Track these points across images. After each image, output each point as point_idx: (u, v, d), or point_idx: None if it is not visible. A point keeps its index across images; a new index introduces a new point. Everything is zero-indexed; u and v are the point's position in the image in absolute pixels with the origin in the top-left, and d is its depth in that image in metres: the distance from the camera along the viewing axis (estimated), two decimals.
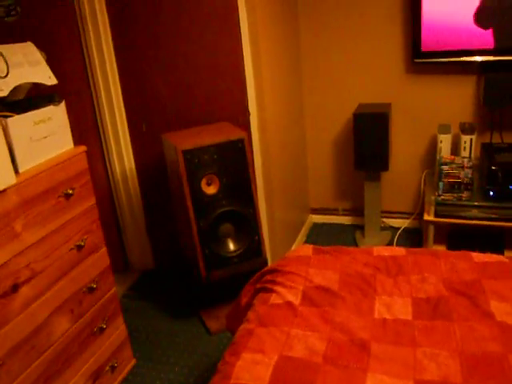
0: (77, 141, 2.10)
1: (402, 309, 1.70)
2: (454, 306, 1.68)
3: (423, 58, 3.12)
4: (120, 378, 2.41)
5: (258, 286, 1.95)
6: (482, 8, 2.93)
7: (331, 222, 3.76)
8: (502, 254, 2.96)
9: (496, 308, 1.65)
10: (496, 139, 3.23)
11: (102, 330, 2.24)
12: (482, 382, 1.39)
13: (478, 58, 3.03)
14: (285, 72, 3.10)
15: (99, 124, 3.02)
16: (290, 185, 3.31)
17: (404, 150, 3.42)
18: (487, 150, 3.05)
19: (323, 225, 3.75)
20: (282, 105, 3.08)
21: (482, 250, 2.51)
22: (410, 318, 1.66)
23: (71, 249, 2.03)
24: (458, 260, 1.92)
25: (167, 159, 2.74)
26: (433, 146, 3.32)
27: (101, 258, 2.23)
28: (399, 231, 3.50)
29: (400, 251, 2.01)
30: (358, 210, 3.64)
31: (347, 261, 1.96)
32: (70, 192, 2.00)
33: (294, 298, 1.77)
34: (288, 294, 1.80)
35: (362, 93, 3.38)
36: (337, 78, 3.39)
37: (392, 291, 1.79)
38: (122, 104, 2.97)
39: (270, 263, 2.85)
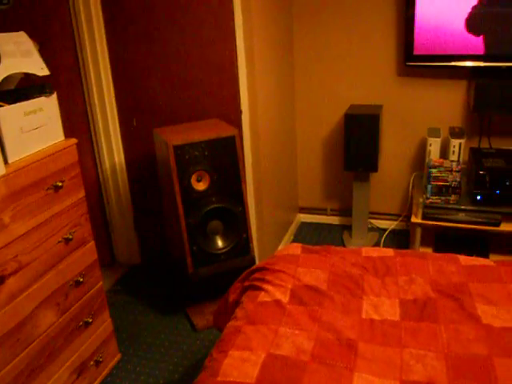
0: (67, 133, 2.09)
1: (390, 309, 1.71)
2: (441, 308, 1.69)
3: (415, 62, 3.14)
4: (105, 373, 2.40)
5: (247, 283, 1.94)
6: (474, 15, 2.96)
7: (319, 221, 3.77)
8: (487, 257, 2.99)
9: (482, 311, 1.67)
10: (485, 144, 3.27)
11: (87, 324, 2.23)
12: (466, 383, 1.40)
13: (469, 64, 3.06)
14: (278, 71, 3.10)
15: (90, 117, 3.00)
16: (280, 183, 3.32)
17: (393, 151, 3.44)
18: (475, 155, 3.08)
19: (311, 224, 3.76)
20: (274, 104, 3.08)
21: (468, 253, 2.54)
22: (397, 318, 1.67)
23: (59, 241, 2.02)
24: (445, 262, 1.94)
25: (158, 154, 2.73)
26: (422, 149, 3.35)
27: (88, 252, 2.21)
28: (386, 232, 3.52)
29: (388, 252, 2.02)
30: (346, 211, 3.65)
31: (336, 260, 1.96)
32: (60, 184, 1.98)
33: (283, 297, 1.77)
34: (277, 292, 1.80)
35: (353, 94, 3.39)
36: (329, 79, 3.40)
37: (380, 292, 1.80)
38: (113, 98, 2.95)
39: (257, 261, 2.86)
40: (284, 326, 1.64)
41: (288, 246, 2.11)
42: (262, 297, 1.78)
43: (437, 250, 3.13)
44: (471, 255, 2.11)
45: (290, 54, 3.34)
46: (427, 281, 1.83)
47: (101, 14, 2.78)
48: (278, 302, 1.74)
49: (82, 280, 2.16)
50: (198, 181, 2.52)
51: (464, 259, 1.98)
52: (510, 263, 1.95)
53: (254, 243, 2.96)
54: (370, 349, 1.54)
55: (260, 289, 1.83)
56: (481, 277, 1.85)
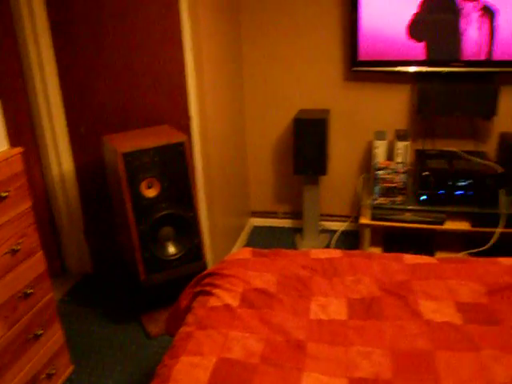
0: (12, 142, 2.05)
1: (337, 309, 1.76)
2: (386, 306, 1.75)
3: (360, 67, 3.23)
4: None
5: (198, 289, 1.96)
6: (415, 22, 3.07)
7: (271, 225, 3.81)
8: (433, 255, 3.10)
9: (424, 307, 1.74)
10: (429, 146, 3.38)
11: (38, 336, 2.19)
12: (410, 377, 1.46)
13: (412, 69, 3.17)
14: (227, 77, 3.13)
15: (36, 125, 2.94)
16: (231, 188, 3.34)
17: (342, 154, 3.53)
18: (420, 156, 3.19)
19: (264, 228, 3.80)
20: (224, 109, 3.11)
21: (416, 252, 2.63)
22: (344, 318, 1.72)
23: (5, 253, 1.97)
24: (390, 261, 2.01)
25: (107, 162, 2.71)
26: (369, 152, 3.44)
27: (37, 263, 2.17)
28: (337, 234, 3.59)
29: (336, 253, 2.07)
30: (297, 214, 3.71)
31: (285, 263, 2.00)
32: (5, 195, 1.94)
33: (233, 301, 1.79)
34: (227, 296, 1.82)
35: (302, 99, 3.46)
36: (278, 84, 3.45)
37: (328, 292, 1.85)
38: (60, 105, 2.91)
39: (210, 266, 2.87)
40: (234, 329, 1.66)
41: (238, 251, 2.14)
42: (213, 302, 1.80)
43: (386, 249, 3.22)
44: (418, 253, 2.19)
45: (239, 59, 3.37)
46: (373, 280, 1.90)
47: (46, 18, 2.73)
48: (228, 307, 1.76)
49: (31, 291, 2.12)
50: (149, 187, 2.52)
51: (408, 258, 2.05)
52: (452, 260, 2.04)
53: (207, 248, 2.97)
54: (318, 348, 1.58)
55: (210, 294, 1.85)
56: (423, 274, 1.92)
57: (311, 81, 3.40)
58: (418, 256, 2.07)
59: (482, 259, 2.05)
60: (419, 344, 1.58)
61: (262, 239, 3.65)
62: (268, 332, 1.64)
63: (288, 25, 3.30)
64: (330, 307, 1.77)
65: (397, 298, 1.79)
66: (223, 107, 3.10)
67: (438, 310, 1.73)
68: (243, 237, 3.60)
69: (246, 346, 1.58)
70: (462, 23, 3.07)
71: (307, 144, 3.14)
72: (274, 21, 3.31)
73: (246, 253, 2.10)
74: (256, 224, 3.85)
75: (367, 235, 3.10)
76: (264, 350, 1.56)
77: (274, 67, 3.42)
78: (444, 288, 1.84)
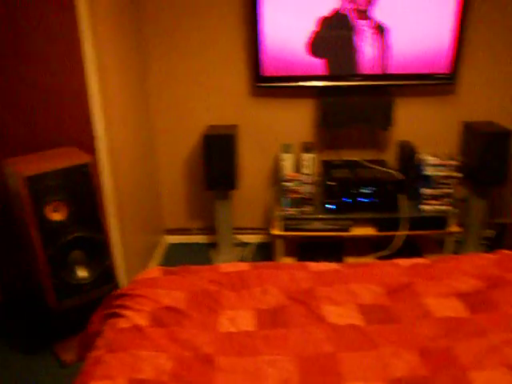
0: None
1: (246, 321, 1.80)
2: (293, 314, 1.81)
3: (264, 83, 3.32)
4: None
5: (108, 311, 1.93)
6: (315, 40, 3.21)
7: (187, 241, 3.81)
8: (341, 260, 3.23)
9: (328, 311, 1.82)
10: (334, 156, 3.53)
11: None
12: (316, 380, 1.52)
13: (314, 84, 3.31)
14: (133, 96, 3.12)
15: None
16: (144, 207, 3.32)
17: (252, 168, 3.60)
18: (326, 167, 3.32)
19: (179, 245, 3.79)
20: (132, 128, 3.09)
21: (327, 258, 2.74)
22: (252, 329, 1.76)
23: None
24: (296, 270, 2.08)
25: (10, 186, 2.62)
26: (278, 165, 3.54)
27: None
28: (252, 246, 3.66)
29: (244, 266, 2.12)
30: (211, 229, 3.74)
31: (194, 279, 2.02)
32: None
33: (143, 321, 1.79)
34: (136, 317, 1.81)
35: (211, 115, 3.50)
36: (186, 101, 3.48)
37: (236, 305, 1.88)
38: None
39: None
40: (144, 349, 1.66)
41: (148, 270, 2.13)
42: (122, 323, 1.78)
43: (300, 258, 3.32)
44: (330, 260, 2.28)
45: (145, 77, 3.37)
46: (281, 289, 1.95)
47: None
48: (137, 327, 1.75)
49: None
50: (55, 211, 2.45)
51: (313, 265, 2.13)
52: (353, 265, 2.15)
53: (121, 270, 2.93)
54: (227, 361, 1.61)
55: (120, 316, 1.83)
56: (327, 280, 2.01)
57: (219, 97, 3.46)
58: (323, 263, 2.16)
59: (382, 262, 2.17)
60: (324, 348, 1.65)
61: (178, 256, 3.65)
62: (177, 349, 1.65)
63: (194, 41, 3.34)
64: (239, 319, 1.81)
65: (302, 306, 1.86)
66: (131, 125, 3.08)
67: (341, 314, 1.81)
68: (158, 255, 3.58)
69: (156, 365, 1.58)
70: (358, 40, 3.24)
71: (217, 160, 3.18)
72: (180, 36, 3.33)
73: (156, 272, 2.10)
74: (171, 241, 3.84)
75: (280, 246, 3.18)
76: (173, 367, 1.57)
77: (181, 84, 3.44)
78: (346, 292, 1.93)
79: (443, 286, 1.96)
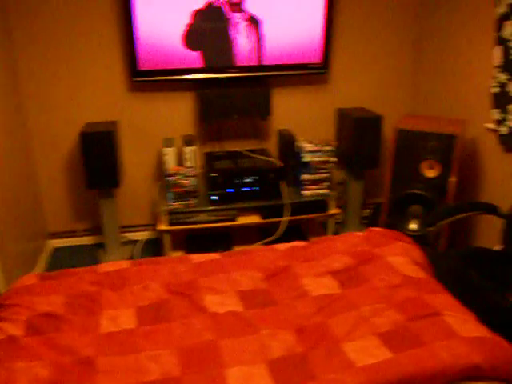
0: None
1: (127, 319, 1.78)
2: (174, 307, 1.83)
3: (141, 77, 3.28)
4: None
5: None
6: (189, 32, 3.22)
7: (73, 244, 3.68)
8: (231, 249, 3.29)
9: (209, 301, 1.86)
10: (217, 148, 3.57)
11: None
12: (198, 370, 1.55)
13: (191, 77, 3.32)
14: (3, 99, 2.94)
15: None
16: (23, 212, 3.15)
17: (136, 164, 3.55)
18: (208, 159, 3.36)
19: (65, 248, 3.65)
20: (1, 132, 2.92)
21: (217, 249, 2.77)
22: (133, 326, 1.75)
23: None
24: (177, 264, 2.09)
25: None
26: (161, 160, 3.51)
27: None
28: (140, 244, 3.61)
29: (124, 264, 2.10)
30: (98, 229, 3.64)
31: (73, 282, 1.97)
32: None
33: (17, 331, 1.71)
34: (11, 327, 1.73)
35: (88, 112, 3.39)
36: (63, 100, 3.33)
37: (117, 304, 1.86)
38: None
39: None
40: (20, 360, 1.59)
41: (23, 277, 2.05)
42: None
43: (189, 251, 3.32)
44: (219, 250, 2.32)
45: (15, 78, 3.19)
46: (161, 284, 1.96)
47: None
48: (12, 338, 1.68)
49: None
50: None
51: (194, 257, 2.16)
52: (233, 254, 2.20)
53: (1, 281, 2.78)
54: (108, 361, 1.59)
55: None
56: (208, 271, 2.05)
57: (97, 94, 3.36)
58: (204, 254, 2.19)
59: (261, 248, 2.24)
60: (205, 337, 1.68)
61: (65, 260, 3.51)
62: (56, 355, 1.61)
63: (67, 38, 3.20)
64: (120, 318, 1.79)
65: (184, 298, 1.88)
66: (1, 130, 2.91)
67: (222, 303, 1.85)
68: (42, 261, 3.43)
69: (32, 375, 1.53)
70: (233, 32, 3.30)
71: (97, 157, 3.09)
72: (52, 34, 3.18)
73: (32, 278, 2.02)
74: (56, 245, 3.68)
75: (167, 241, 3.17)
76: (51, 375, 1.53)
77: (56, 83, 3.29)
78: (227, 281, 1.98)
79: (318, 266, 2.07)
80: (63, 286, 1.95)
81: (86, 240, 3.70)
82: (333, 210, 3.36)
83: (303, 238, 3.46)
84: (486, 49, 2.93)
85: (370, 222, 3.69)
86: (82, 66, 3.29)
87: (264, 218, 3.25)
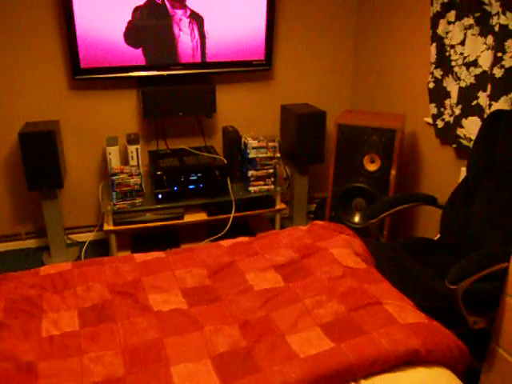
0: None
1: (69, 322, 1.76)
2: (117, 307, 1.81)
3: (83, 75, 3.21)
4: None
5: None
6: (130, 29, 3.18)
7: (15, 248, 3.57)
8: (179, 246, 3.29)
9: (153, 300, 1.85)
10: (163, 146, 3.55)
11: None
12: (142, 369, 1.55)
13: (133, 74, 3.28)
14: None
15: None
16: None
17: (79, 164, 3.48)
18: (153, 157, 3.33)
19: (7, 253, 3.54)
20: None
21: (164, 248, 2.76)
22: (76, 328, 1.72)
23: None
24: (121, 263, 2.08)
25: None
26: (105, 159, 3.46)
27: None
28: (86, 245, 3.55)
29: (66, 266, 2.06)
30: (41, 231, 3.55)
31: (12, 286, 1.92)
32: None
33: None
34: None
35: (28, 111, 3.30)
36: (0, 98, 3.23)
37: (59, 307, 1.83)
38: None
39: None
40: None
41: None
42: None
43: (135, 251, 3.29)
44: (167, 249, 2.30)
45: None
46: (104, 285, 1.94)
47: None
48: None
49: None
50: None
51: (138, 256, 2.14)
52: (178, 251, 2.20)
53: None
54: (50, 366, 1.56)
55: None
56: (152, 269, 2.04)
57: (37, 93, 3.27)
58: (148, 253, 2.18)
59: (206, 245, 2.25)
60: (149, 336, 1.68)
61: (8, 265, 3.40)
62: None
63: (3, 35, 3.09)
64: (63, 321, 1.76)
65: (128, 298, 1.87)
66: None
67: (166, 301, 1.85)
68: None
69: None
70: (175, 29, 3.28)
71: (38, 158, 3.02)
72: None
73: None
74: None
75: (113, 241, 3.13)
76: None
77: None
78: (171, 279, 1.98)
79: (262, 260, 2.10)
80: (2, 290, 1.90)
81: (30, 243, 3.60)
82: (279, 206, 3.40)
83: (251, 234, 3.48)
84: (424, 45, 3.03)
85: (316, 215, 3.76)
86: (21, 64, 3.20)
87: (211, 215, 3.25)
